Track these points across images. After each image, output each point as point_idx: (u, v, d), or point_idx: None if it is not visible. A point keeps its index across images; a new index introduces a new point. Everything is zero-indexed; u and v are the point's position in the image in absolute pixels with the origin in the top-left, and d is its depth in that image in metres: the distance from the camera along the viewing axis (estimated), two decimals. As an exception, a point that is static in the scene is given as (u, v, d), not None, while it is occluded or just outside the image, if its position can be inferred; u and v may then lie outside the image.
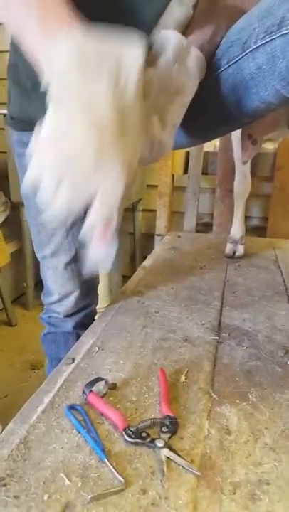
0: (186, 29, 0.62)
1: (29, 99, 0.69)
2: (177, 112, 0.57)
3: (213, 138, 1.05)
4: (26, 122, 0.72)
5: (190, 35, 0.61)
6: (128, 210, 2.00)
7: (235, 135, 1.21)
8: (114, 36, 0.41)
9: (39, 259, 0.86)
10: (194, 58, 0.57)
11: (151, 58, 0.55)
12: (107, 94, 0.40)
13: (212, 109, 0.63)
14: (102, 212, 0.43)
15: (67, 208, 0.43)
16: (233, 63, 0.56)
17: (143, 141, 0.48)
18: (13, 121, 0.75)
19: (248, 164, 1.23)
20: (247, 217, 1.31)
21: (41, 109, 0.74)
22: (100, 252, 0.48)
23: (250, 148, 1.01)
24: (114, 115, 0.40)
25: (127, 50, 0.41)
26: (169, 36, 0.56)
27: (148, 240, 2.01)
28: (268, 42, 0.51)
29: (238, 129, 0.93)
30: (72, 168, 0.41)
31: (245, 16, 0.56)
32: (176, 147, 0.77)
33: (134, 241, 2.09)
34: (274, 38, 0.50)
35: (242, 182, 1.25)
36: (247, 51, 0.54)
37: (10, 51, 0.70)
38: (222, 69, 0.58)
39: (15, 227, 1.90)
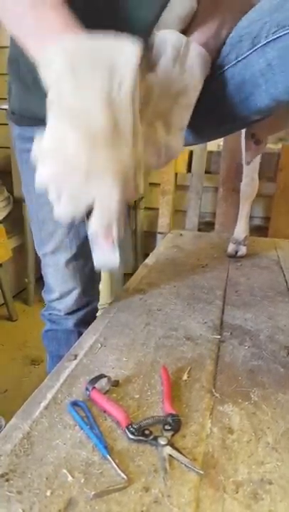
0: (189, 24, 0.60)
1: (30, 93, 0.68)
2: (182, 114, 0.56)
3: (220, 136, 1.03)
4: (27, 117, 0.72)
5: (194, 30, 0.59)
6: (130, 208, 2.00)
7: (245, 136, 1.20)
8: (109, 41, 0.41)
9: (40, 256, 0.86)
10: (196, 56, 0.55)
11: (150, 62, 0.54)
12: (99, 100, 0.39)
13: (219, 107, 0.61)
14: (101, 220, 0.44)
15: (69, 216, 0.44)
16: (243, 59, 0.55)
17: (145, 146, 0.47)
18: (14, 116, 0.74)
19: (256, 166, 1.21)
20: (249, 217, 1.31)
21: (42, 103, 0.74)
22: (104, 256, 0.50)
23: (253, 148, 0.99)
24: (106, 121, 0.40)
25: (121, 55, 0.40)
26: (166, 37, 0.54)
27: (150, 237, 2.01)
28: (279, 37, 0.49)
29: (246, 127, 0.91)
30: (68, 179, 0.42)
31: (254, 9, 0.54)
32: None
33: (136, 239, 2.09)
34: (286, 33, 0.48)
35: (249, 184, 1.24)
36: (257, 46, 0.52)
37: (10, 46, 0.69)
38: (230, 65, 0.57)
39: (17, 223, 1.89)
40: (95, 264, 0.52)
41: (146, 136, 0.48)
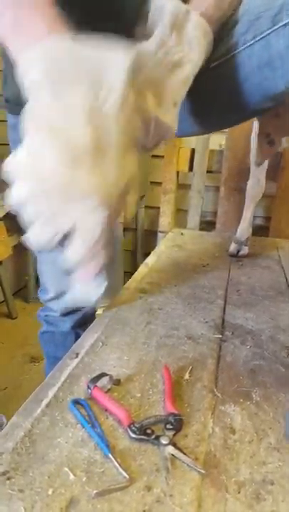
0: None
1: None
2: (177, 88, 0.49)
3: (227, 126, 0.94)
4: (22, 105, 0.71)
5: None
6: (124, 230, 1.99)
7: (255, 136, 1.18)
8: (98, 49, 0.37)
9: (35, 253, 0.84)
10: (195, 25, 0.49)
11: (146, 30, 0.49)
12: (81, 113, 0.35)
13: (229, 91, 0.55)
14: (81, 248, 0.39)
15: (43, 242, 0.40)
16: (261, 39, 0.49)
17: (132, 116, 0.41)
18: (9, 104, 0.73)
19: (264, 168, 1.18)
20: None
21: None
22: (82, 290, 0.44)
23: (266, 148, 0.94)
24: (87, 137, 0.35)
25: (111, 66, 0.37)
26: (163, 3, 0.49)
27: (150, 236, 2.01)
28: None
29: (253, 117, 0.82)
30: (44, 200, 0.37)
31: None
32: (184, 134, 0.70)
33: (137, 237, 2.09)
34: None
35: (255, 186, 1.22)
36: (278, 25, 0.47)
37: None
38: (247, 45, 0.51)
39: (17, 221, 1.89)
40: (67, 299, 0.46)
41: (134, 105, 0.41)
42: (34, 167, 0.37)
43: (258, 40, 0.50)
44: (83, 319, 0.87)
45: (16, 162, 0.38)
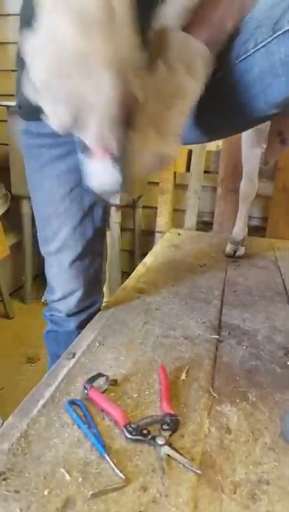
0: (191, 16, 0.54)
1: None
2: (177, 119, 0.51)
3: (231, 133, 0.94)
4: (34, 112, 0.71)
5: (196, 23, 0.53)
6: (128, 207, 1.99)
7: (246, 137, 1.18)
8: None
9: (43, 255, 0.84)
10: (195, 54, 0.50)
11: (148, 60, 0.49)
12: None
13: (233, 100, 0.56)
14: (97, 125, 0.41)
15: (66, 123, 0.41)
16: (262, 47, 0.50)
17: (139, 156, 0.44)
18: (22, 110, 0.73)
19: (256, 167, 1.19)
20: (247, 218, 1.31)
21: None
22: (100, 173, 0.45)
23: (278, 147, 0.91)
24: (99, 5, 0.38)
25: None
26: (165, 34, 0.50)
27: (148, 236, 2.01)
28: None
29: (258, 124, 0.83)
30: (62, 70, 0.39)
31: None
32: (189, 143, 0.70)
33: (134, 237, 2.09)
34: None
35: (248, 185, 1.22)
36: (278, 33, 0.47)
37: (19, 42, 0.69)
38: (248, 54, 0.52)
39: (15, 220, 1.89)
40: (90, 184, 0.47)
41: (139, 145, 0.45)
42: (51, 41, 0.39)
43: (259, 48, 0.50)
44: (88, 319, 0.87)
45: (35, 40, 0.40)
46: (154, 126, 0.48)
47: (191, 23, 0.53)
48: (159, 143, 0.48)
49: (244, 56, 0.52)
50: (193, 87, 0.51)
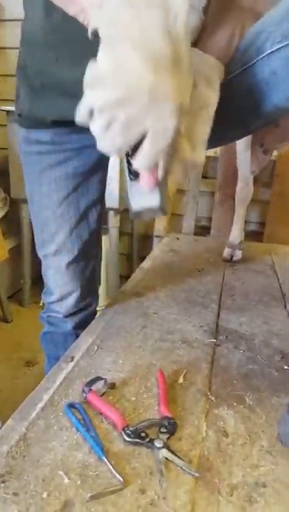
0: (199, 35, 0.60)
1: (37, 98, 0.69)
2: (204, 128, 0.55)
3: (223, 143, 1.01)
4: (34, 120, 0.72)
5: (205, 41, 0.59)
6: (126, 211, 2.01)
7: (240, 142, 1.20)
8: None
9: (41, 258, 0.86)
10: (213, 68, 0.55)
11: None
12: (160, 28, 0.41)
13: (225, 114, 0.60)
14: (151, 150, 0.43)
15: (115, 148, 0.43)
16: (248, 67, 0.55)
17: (173, 166, 0.47)
18: (21, 118, 0.75)
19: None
20: (245, 222, 1.32)
21: (49, 107, 0.73)
22: (144, 197, 0.49)
23: (261, 157, 0.97)
24: (168, 48, 0.41)
25: None
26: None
27: (146, 241, 2.01)
28: (284, 46, 0.49)
29: (248, 134, 0.89)
30: (128, 103, 0.41)
31: (262, 19, 0.55)
32: None
33: (132, 241, 2.09)
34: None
35: (244, 189, 1.24)
36: (262, 55, 0.53)
37: (20, 51, 0.70)
38: (237, 73, 0.57)
39: (14, 224, 1.89)
40: (132, 207, 0.50)
41: (173, 156, 0.48)
42: (119, 73, 0.41)
43: (246, 68, 0.55)
44: (85, 321, 0.88)
45: (96, 72, 0.42)
46: (186, 136, 0.52)
47: (202, 41, 0.59)
48: (191, 152, 0.52)
49: (233, 75, 0.57)
50: (213, 97, 0.55)
